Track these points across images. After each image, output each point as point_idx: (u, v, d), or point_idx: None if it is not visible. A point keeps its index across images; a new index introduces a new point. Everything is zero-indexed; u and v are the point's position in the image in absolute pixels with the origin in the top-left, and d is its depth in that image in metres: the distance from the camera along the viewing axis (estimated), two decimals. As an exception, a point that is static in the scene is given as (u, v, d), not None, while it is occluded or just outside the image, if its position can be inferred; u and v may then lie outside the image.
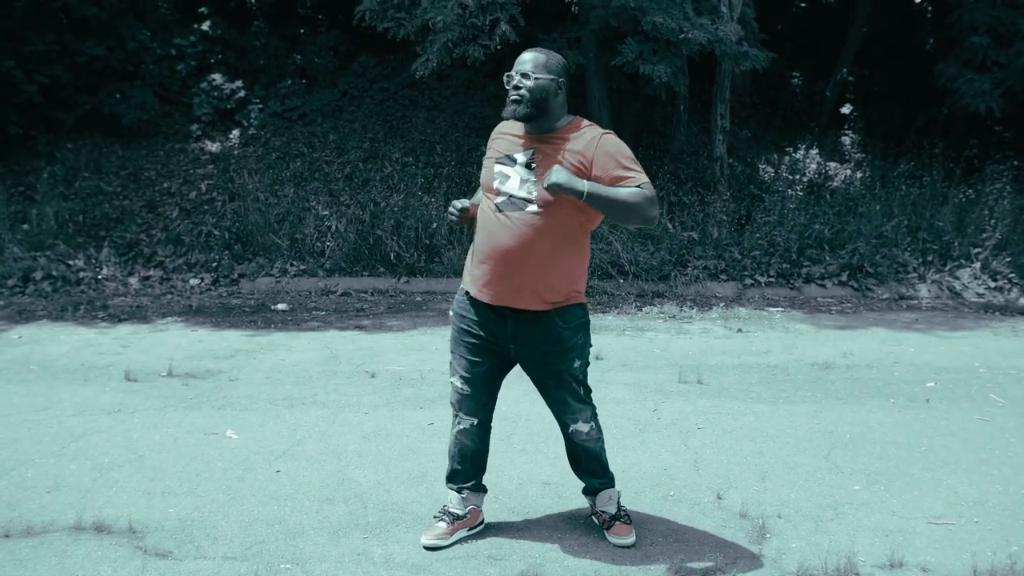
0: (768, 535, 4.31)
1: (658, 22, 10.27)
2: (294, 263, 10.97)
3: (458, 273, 10.69)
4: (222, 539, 4.20)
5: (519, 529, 4.36)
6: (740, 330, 8.87)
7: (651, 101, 13.62)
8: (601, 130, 3.89)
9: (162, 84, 13.91)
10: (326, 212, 11.60)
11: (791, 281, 10.83)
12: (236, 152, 13.30)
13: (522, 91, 3.82)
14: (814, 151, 13.74)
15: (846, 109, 15.73)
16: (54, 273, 10.45)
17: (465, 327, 4.08)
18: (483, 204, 3.99)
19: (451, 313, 4.19)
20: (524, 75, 3.84)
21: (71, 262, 10.69)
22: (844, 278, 10.85)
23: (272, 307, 9.76)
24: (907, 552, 4.12)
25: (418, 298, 10.30)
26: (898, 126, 14.42)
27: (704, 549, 4.16)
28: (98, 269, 10.72)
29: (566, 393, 4.10)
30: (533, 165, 3.85)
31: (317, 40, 15.25)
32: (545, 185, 3.66)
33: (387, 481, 4.94)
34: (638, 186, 3.74)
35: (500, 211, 3.86)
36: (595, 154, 3.79)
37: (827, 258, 11.05)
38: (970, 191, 12.48)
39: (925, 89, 14.38)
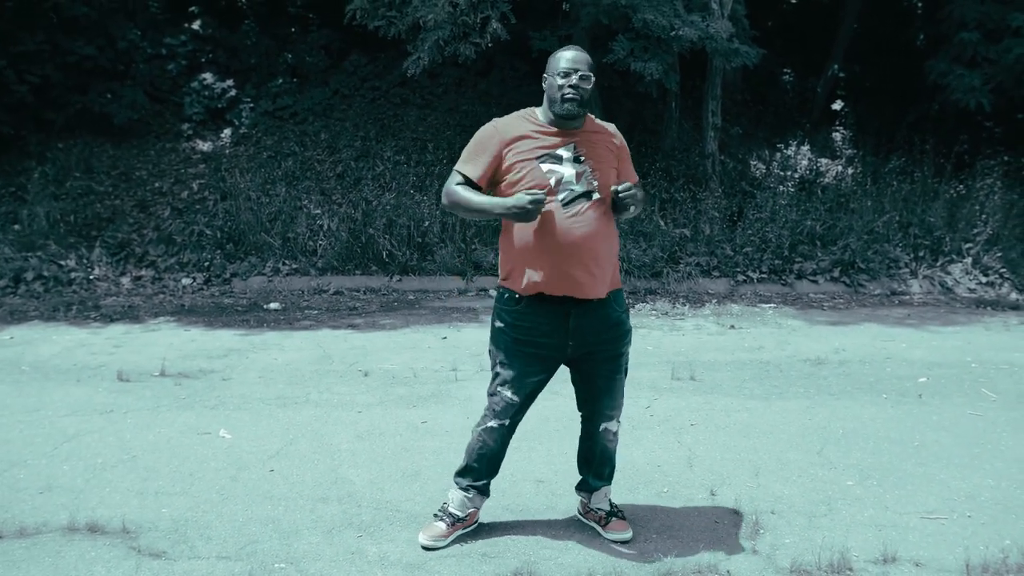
0: (761, 531, 4.31)
1: (649, 19, 10.28)
2: (286, 262, 10.96)
3: (451, 271, 10.70)
4: (216, 539, 4.20)
5: (513, 527, 4.36)
6: (733, 326, 8.89)
7: (642, 98, 13.64)
8: (611, 124, 4.23)
9: (153, 83, 13.88)
10: (318, 211, 11.59)
11: (783, 277, 10.85)
12: (227, 151, 13.28)
13: (581, 91, 3.92)
14: (805, 147, 13.77)
15: (837, 105, 15.75)
16: (45, 273, 10.42)
17: (522, 337, 4.04)
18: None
19: (499, 324, 4.13)
20: (586, 77, 3.92)
21: (63, 262, 10.67)
22: (836, 274, 10.87)
23: (264, 306, 9.75)
24: (900, 547, 4.13)
25: (411, 296, 10.30)
26: (889, 122, 14.45)
27: (698, 545, 4.16)
28: (90, 269, 10.70)
29: (617, 383, 4.18)
30: (582, 158, 3.95)
31: (308, 39, 15.23)
32: (631, 213, 4.05)
33: (381, 480, 4.94)
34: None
35: (568, 206, 3.89)
36: (620, 148, 4.14)
37: (819, 254, 11.08)
38: (961, 187, 12.51)
39: (916, 85, 14.42)
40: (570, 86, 3.89)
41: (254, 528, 4.31)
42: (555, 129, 3.98)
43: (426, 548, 4.14)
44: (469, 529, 4.32)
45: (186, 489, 4.80)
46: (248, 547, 4.11)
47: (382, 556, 4.03)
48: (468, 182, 4.00)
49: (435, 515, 4.31)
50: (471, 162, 4.02)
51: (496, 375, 4.17)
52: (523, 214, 3.78)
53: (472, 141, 4.09)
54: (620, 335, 4.12)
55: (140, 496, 4.69)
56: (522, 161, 3.93)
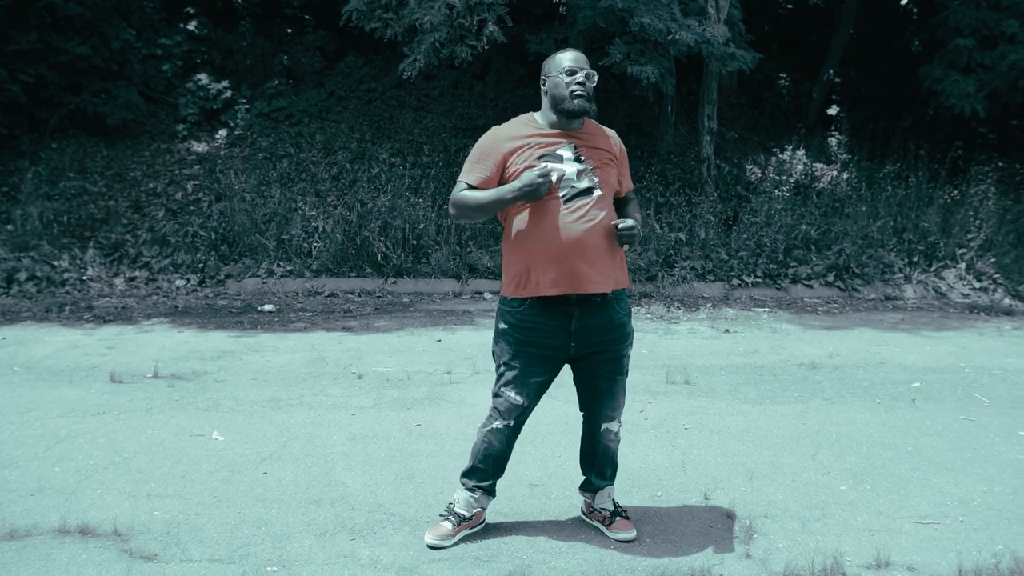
0: (755, 535, 4.31)
1: (646, 23, 10.28)
2: (281, 264, 10.94)
3: (446, 274, 10.69)
4: (208, 541, 4.18)
5: (507, 530, 4.36)
6: (727, 330, 8.89)
7: (638, 102, 13.64)
8: (611, 129, 4.29)
9: (147, 84, 13.86)
10: (313, 213, 11.58)
11: (778, 282, 10.86)
12: (222, 152, 13.26)
13: (587, 88, 3.99)
14: (801, 152, 13.78)
15: (832, 110, 15.78)
16: (38, 274, 10.39)
17: (526, 338, 4.06)
18: (537, 206, 3.95)
19: (503, 326, 4.13)
20: (591, 76, 4.01)
21: (56, 263, 10.64)
22: (830, 279, 10.88)
23: (259, 308, 9.73)
24: (893, 552, 4.13)
25: (405, 299, 10.29)
26: (884, 127, 14.48)
27: (691, 549, 4.16)
28: (83, 270, 10.67)
29: (618, 384, 4.20)
30: (582, 157, 4.00)
31: (304, 40, 15.22)
32: (622, 244, 4.03)
33: (374, 483, 4.93)
34: (630, 192, 4.33)
35: (570, 203, 3.93)
36: (619, 152, 4.21)
37: (813, 259, 11.09)
38: (955, 192, 12.54)
39: (911, 91, 14.46)
40: (578, 83, 3.95)
41: (247, 531, 4.30)
42: (556, 131, 4.02)
43: (432, 547, 4.16)
44: (476, 529, 4.34)
45: (178, 491, 4.79)
46: (240, 550, 4.10)
47: (375, 559, 4.02)
48: (472, 189, 4.03)
49: (440, 515, 4.33)
50: (473, 170, 4.04)
51: (500, 375, 4.18)
52: (533, 191, 3.84)
53: (473, 151, 4.10)
54: (622, 336, 4.13)
55: (132, 498, 4.68)
56: (524, 164, 3.95)
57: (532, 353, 4.06)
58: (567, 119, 4.00)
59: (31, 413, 6.07)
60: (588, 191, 3.94)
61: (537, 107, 4.14)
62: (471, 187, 4.02)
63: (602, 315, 4.03)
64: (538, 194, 3.84)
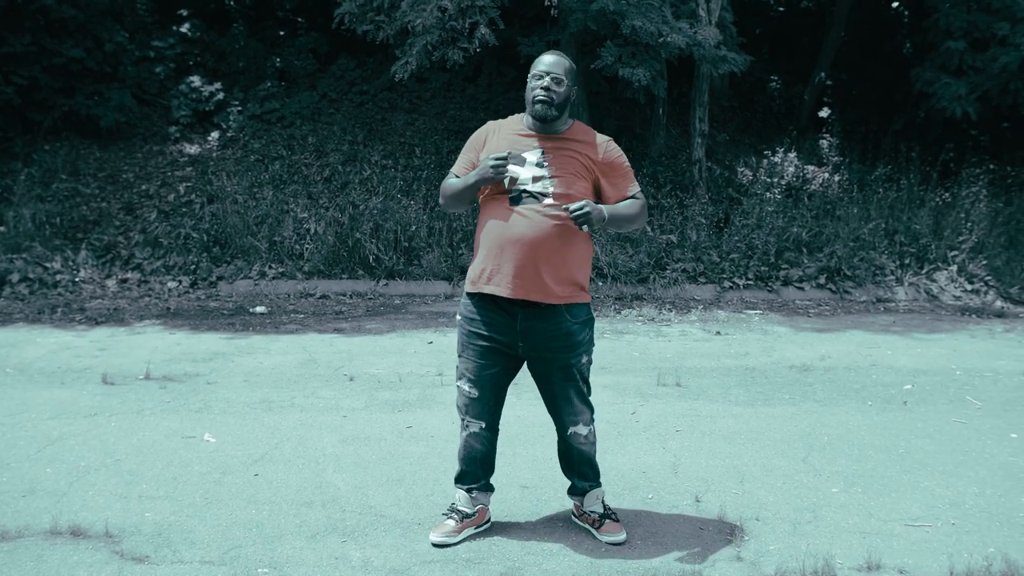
0: (746, 538, 4.32)
1: (637, 26, 10.30)
2: (273, 266, 10.93)
3: (437, 276, 10.70)
4: (199, 543, 4.18)
5: (497, 532, 4.36)
6: (718, 333, 8.90)
7: (630, 104, 13.66)
8: (605, 137, 4.17)
9: (140, 86, 13.84)
10: (305, 215, 11.57)
11: (769, 284, 10.88)
12: (215, 154, 13.25)
13: (552, 94, 3.96)
14: (792, 154, 13.80)
15: (824, 113, 15.81)
16: (31, 276, 10.38)
17: (474, 330, 4.11)
18: (490, 202, 4.04)
19: (458, 317, 4.21)
20: (557, 80, 3.97)
21: (48, 264, 10.62)
22: (822, 281, 10.90)
23: (250, 310, 9.72)
24: (884, 554, 4.13)
25: (397, 301, 10.28)
26: (875, 130, 14.51)
27: (682, 552, 4.16)
28: (75, 272, 10.66)
29: (571, 390, 4.17)
30: (545, 164, 3.98)
31: (296, 42, 15.22)
32: (584, 229, 3.91)
33: (365, 485, 4.92)
34: (634, 196, 4.16)
35: (515, 205, 3.95)
36: (602, 160, 4.10)
37: (805, 261, 11.11)
38: (946, 194, 12.57)
39: (902, 93, 14.50)
40: (542, 88, 3.96)
41: (238, 532, 4.30)
42: (533, 133, 4.06)
43: (437, 545, 4.18)
44: (483, 527, 4.36)
45: (170, 493, 4.78)
46: (232, 551, 4.09)
47: (366, 561, 4.02)
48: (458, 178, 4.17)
49: (444, 514, 4.37)
50: (461, 161, 4.20)
51: (456, 368, 4.25)
52: (490, 175, 3.91)
53: (467, 142, 4.25)
54: (571, 345, 4.09)
55: (123, 500, 4.67)
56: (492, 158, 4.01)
57: (482, 345, 4.10)
58: (538, 122, 4.03)
59: (23, 415, 6.06)
60: (537, 197, 3.94)
61: None
62: (455, 176, 4.19)
63: (548, 322, 4.02)
64: (493, 177, 3.91)
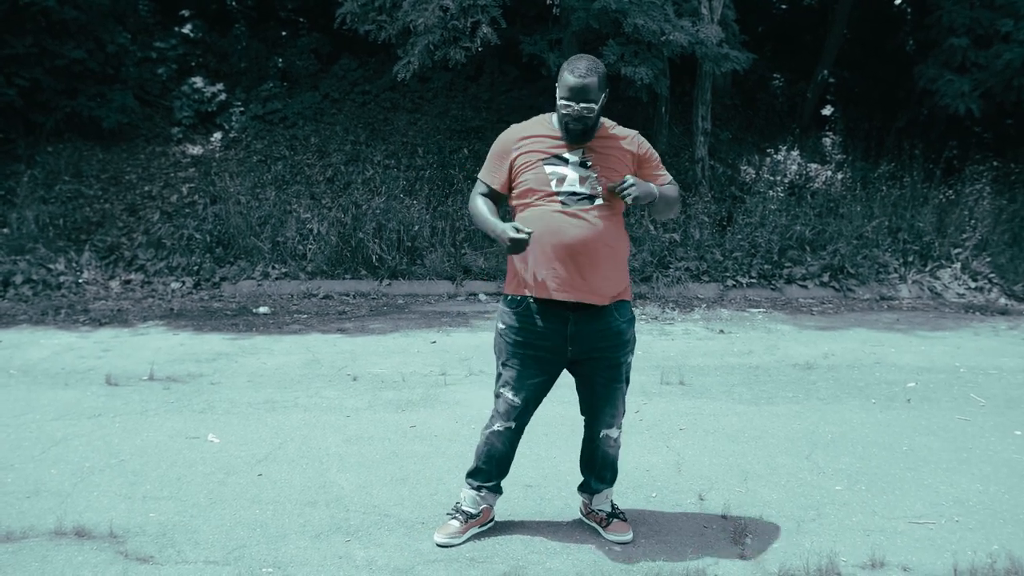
0: (750, 536, 4.32)
1: (639, 24, 10.29)
2: (276, 266, 10.93)
3: (440, 275, 10.69)
4: (204, 543, 4.19)
5: (501, 531, 4.36)
6: (722, 331, 8.89)
7: (632, 103, 13.64)
8: (632, 130, 4.17)
9: (142, 87, 13.84)
10: (308, 215, 11.57)
11: (772, 282, 10.87)
12: (217, 155, 13.26)
13: (585, 121, 3.89)
14: (795, 152, 13.77)
15: (827, 110, 15.79)
16: (34, 277, 10.38)
17: (521, 339, 4.07)
18: (537, 208, 3.96)
19: (500, 326, 4.15)
20: (589, 108, 3.86)
21: (52, 266, 10.63)
22: (825, 279, 10.89)
23: (254, 310, 9.73)
24: (888, 552, 4.13)
25: (400, 301, 10.29)
26: (878, 127, 14.48)
27: (686, 550, 4.17)
28: (79, 273, 10.66)
29: (618, 390, 4.18)
30: (589, 163, 3.95)
31: (298, 43, 15.21)
32: (629, 202, 3.85)
33: (369, 484, 4.93)
34: (671, 182, 4.22)
35: (567, 207, 3.91)
36: (639, 153, 4.10)
37: (808, 259, 11.09)
38: (950, 192, 12.54)
39: (905, 90, 14.47)
40: (572, 116, 3.87)
41: (242, 532, 4.31)
42: (566, 141, 4.00)
43: (442, 546, 4.19)
44: (486, 527, 4.36)
45: (174, 493, 4.79)
46: (236, 551, 4.10)
47: (370, 561, 4.03)
48: (491, 190, 4.11)
49: (448, 514, 4.36)
50: (490, 170, 4.12)
51: (499, 376, 4.21)
52: (507, 247, 3.80)
53: (492, 148, 4.16)
54: (620, 344, 4.10)
55: (128, 500, 4.68)
56: (528, 165, 3.98)
57: (529, 354, 4.07)
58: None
59: (27, 416, 6.07)
60: (589, 198, 3.92)
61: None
62: (487, 186, 4.12)
63: (599, 321, 4.01)
64: (512, 251, 3.81)
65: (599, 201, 3.92)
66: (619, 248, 4.03)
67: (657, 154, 4.20)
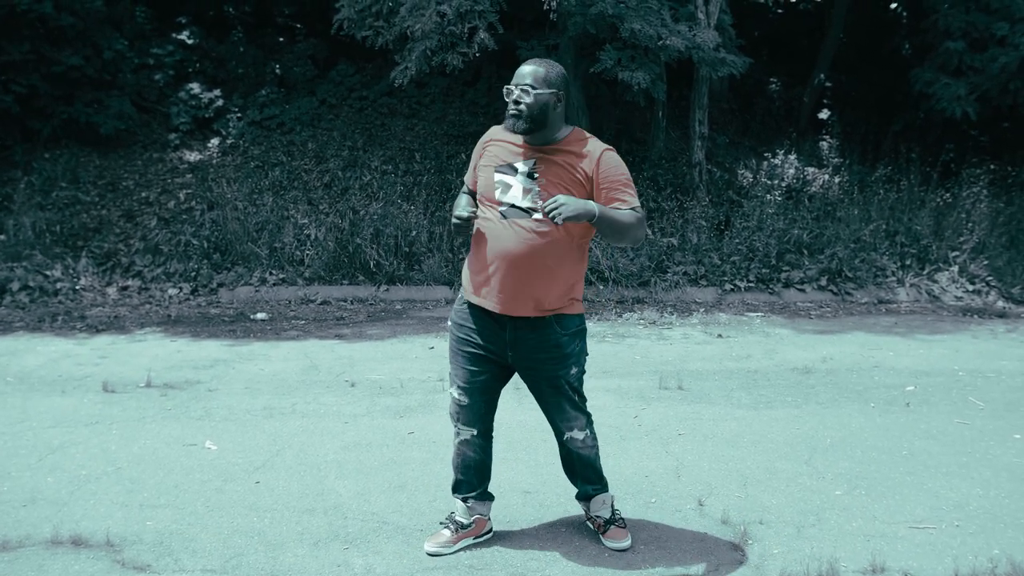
0: (750, 541, 4.31)
1: (636, 29, 10.29)
2: (273, 272, 10.92)
3: (438, 281, 10.69)
4: (201, 551, 4.17)
5: (500, 538, 4.35)
6: (720, 335, 8.89)
7: (630, 108, 13.65)
8: (603, 145, 3.96)
9: (140, 93, 13.84)
10: (305, 221, 11.56)
11: (770, 286, 10.86)
12: (215, 161, 13.25)
13: (521, 106, 3.82)
14: (792, 156, 13.78)
15: (824, 114, 15.80)
16: (31, 284, 10.36)
17: (463, 336, 4.08)
18: (484, 211, 3.96)
19: (449, 323, 4.19)
20: (524, 90, 3.82)
21: (48, 272, 10.61)
22: (823, 283, 10.89)
23: (251, 316, 9.71)
24: (889, 557, 4.13)
25: (398, 306, 10.27)
26: (875, 131, 14.50)
27: (686, 556, 4.15)
28: (76, 279, 10.65)
29: (563, 399, 4.12)
30: (535, 175, 3.88)
31: (295, 48, 15.21)
32: (558, 222, 3.64)
33: (367, 491, 4.92)
34: (632, 208, 3.87)
35: (505, 218, 3.88)
36: (597, 170, 3.87)
37: (806, 263, 11.09)
38: (947, 195, 12.54)
39: (901, 94, 14.46)
40: (512, 101, 3.85)
41: (240, 540, 4.29)
42: (522, 142, 3.95)
43: (431, 555, 4.17)
44: (482, 538, 4.34)
45: (171, 501, 4.78)
46: (233, 560, 4.09)
47: (369, 568, 4.02)
48: (469, 190, 4.18)
49: (440, 523, 4.35)
50: (469, 169, 4.20)
51: (448, 375, 4.23)
52: (456, 227, 3.94)
53: None
54: (559, 358, 4.02)
55: (125, 508, 4.67)
56: (487, 167, 4.00)
57: (472, 352, 4.07)
58: (524, 135, 3.91)
59: (23, 423, 6.05)
60: (527, 212, 3.85)
61: None
62: (466, 186, 4.21)
63: (537, 333, 3.96)
64: (459, 232, 3.94)
65: (538, 216, 3.82)
66: (564, 265, 3.91)
67: (626, 178, 3.94)
